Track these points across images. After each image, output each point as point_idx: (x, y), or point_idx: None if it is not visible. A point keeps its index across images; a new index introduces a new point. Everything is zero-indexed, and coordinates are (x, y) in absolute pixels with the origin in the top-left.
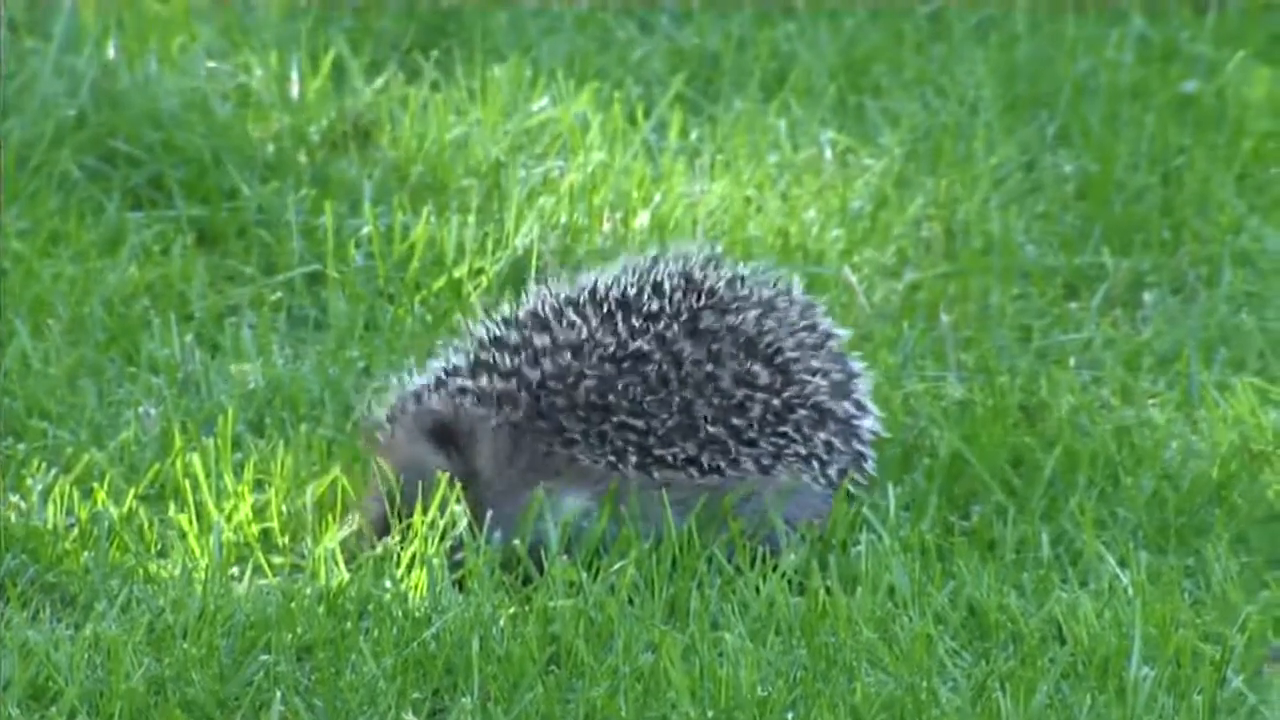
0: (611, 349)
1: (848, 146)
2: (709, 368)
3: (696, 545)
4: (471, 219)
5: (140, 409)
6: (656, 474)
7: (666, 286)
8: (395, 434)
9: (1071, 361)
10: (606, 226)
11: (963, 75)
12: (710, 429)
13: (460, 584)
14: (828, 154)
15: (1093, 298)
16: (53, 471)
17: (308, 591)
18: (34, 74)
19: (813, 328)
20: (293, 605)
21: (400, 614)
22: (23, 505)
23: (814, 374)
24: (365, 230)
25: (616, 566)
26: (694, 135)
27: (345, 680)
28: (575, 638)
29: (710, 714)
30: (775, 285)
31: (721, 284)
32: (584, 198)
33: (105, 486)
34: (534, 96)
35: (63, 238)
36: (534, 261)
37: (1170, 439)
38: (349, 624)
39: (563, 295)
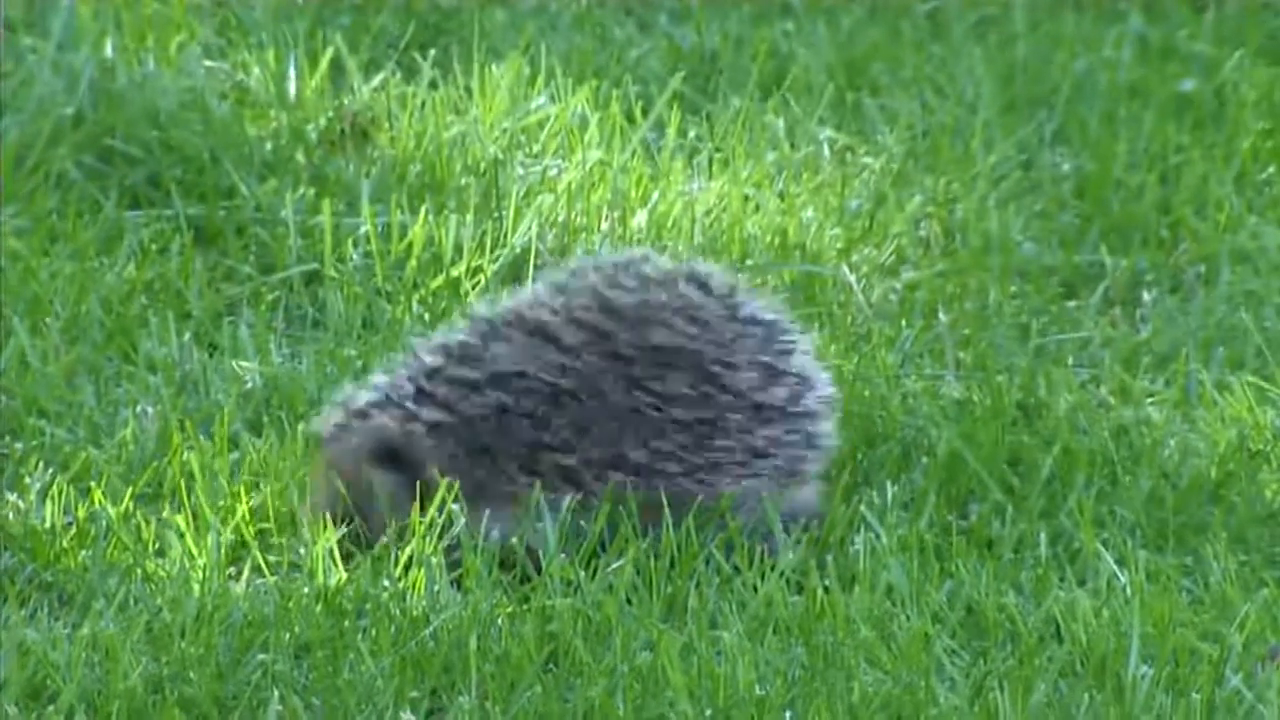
0: (537, 386)
1: (846, 145)
2: (635, 393)
3: (694, 545)
4: (469, 218)
5: (138, 408)
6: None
7: (580, 314)
8: (344, 447)
9: (1070, 360)
10: (605, 225)
11: (961, 74)
12: (635, 456)
13: (458, 583)
14: (826, 152)
15: (1091, 296)
16: (50, 470)
17: (305, 591)
18: (31, 72)
19: (733, 317)
20: (290, 604)
21: (398, 613)
22: (20, 504)
23: (739, 369)
24: (363, 229)
25: (614, 566)
26: (692, 134)
27: (343, 679)
28: (573, 637)
29: (708, 713)
30: (691, 279)
31: (631, 299)
32: (582, 196)
33: (103, 485)
34: (532, 95)
35: (60, 236)
36: (532, 260)
37: (1168, 438)
38: (347, 623)
39: (489, 322)
